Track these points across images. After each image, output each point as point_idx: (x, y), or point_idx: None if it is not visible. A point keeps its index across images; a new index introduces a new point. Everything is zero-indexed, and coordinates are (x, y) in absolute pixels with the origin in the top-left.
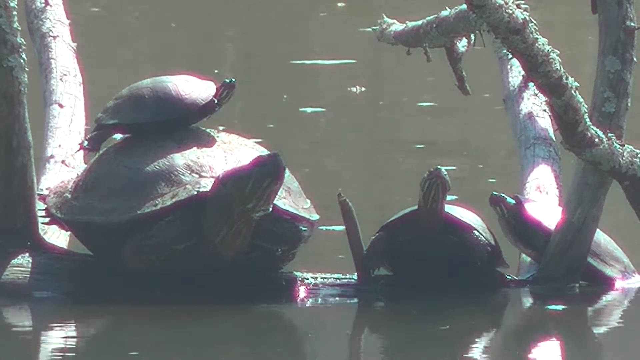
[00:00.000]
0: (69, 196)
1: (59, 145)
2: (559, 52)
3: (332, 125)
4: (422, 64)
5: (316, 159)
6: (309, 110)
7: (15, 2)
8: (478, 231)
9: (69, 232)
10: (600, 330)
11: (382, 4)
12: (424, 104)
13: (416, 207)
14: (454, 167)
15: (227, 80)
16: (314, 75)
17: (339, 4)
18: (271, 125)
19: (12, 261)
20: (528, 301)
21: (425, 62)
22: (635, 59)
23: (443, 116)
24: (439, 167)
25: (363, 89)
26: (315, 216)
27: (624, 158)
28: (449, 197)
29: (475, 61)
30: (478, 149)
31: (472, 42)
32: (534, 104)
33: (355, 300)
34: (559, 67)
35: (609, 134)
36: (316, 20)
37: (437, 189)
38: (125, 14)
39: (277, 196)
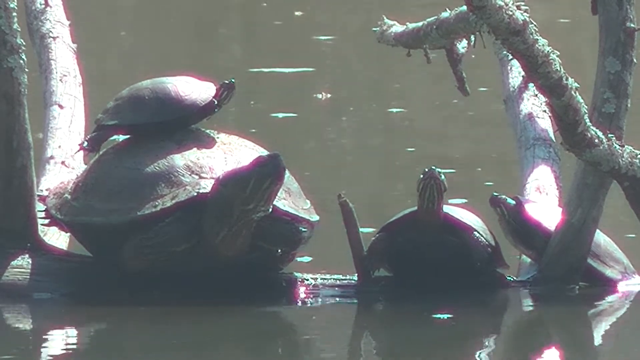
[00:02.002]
0: (69, 197)
1: (59, 146)
2: (558, 53)
3: (312, 130)
4: (380, 72)
5: (314, 161)
6: (280, 115)
7: (15, 3)
8: (478, 232)
9: (68, 234)
10: (600, 331)
11: (342, 13)
12: (394, 110)
13: (416, 207)
14: (454, 170)
15: (227, 81)
16: (275, 83)
17: (297, 13)
18: (253, 130)
19: (12, 262)
20: (528, 302)
21: (383, 70)
22: (635, 60)
23: (417, 120)
24: (433, 167)
25: (329, 95)
26: (315, 217)
27: (623, 159)
28: (459, 201)
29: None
30: (470, 151)
31: (472, 43)
32: (534, 105)
33: (355, 301)
34: (558, 68)
35: (609, 135)
36: (270, 29)
37: (431, 190)
38: (125, 15)
39: (277, 197)
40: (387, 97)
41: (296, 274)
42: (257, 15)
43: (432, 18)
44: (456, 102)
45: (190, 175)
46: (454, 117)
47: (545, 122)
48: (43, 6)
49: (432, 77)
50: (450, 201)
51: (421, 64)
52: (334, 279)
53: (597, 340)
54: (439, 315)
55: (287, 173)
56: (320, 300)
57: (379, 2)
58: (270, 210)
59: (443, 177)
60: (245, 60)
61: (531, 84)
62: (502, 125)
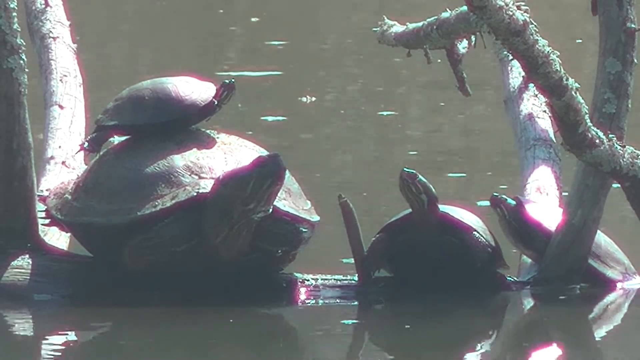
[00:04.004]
0: (69, 197)
1: (59, 147)
2: (559, 54)
3: (306, 132)
4: (352, 75)
5: (315, 163)
6: (269, 119)
7: (15, 3)
8: (478, 232)
9: (69, 234)
10: (600, 331)
11: (297, 20)
12: (385, 113)
13: None
14: (464, 174)
15: (227, 82)
16: (251, 86)
17: (253, 19)
18: (250, 132)
19: (12, 263)
20: (528, 302)
21: (358, 72)
22: (635, 61)
23: (412, 123)
24: (404, 168)
25: (313, 99)
26: (315, 217)
27: (624, 159)
28: (484, 202)
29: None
30: (471, 152)
31: (472, 43)
32: (534, 105)
33: (356, 302)
34: (559, 68)
35: (610, 135)
36: (227, 35)
37: (404, 190)
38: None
39: (277, 197)
40: (374, 100)
41: (296, 274)
42: (213, 21)
43: (433, 18)
44: (444, 105)
45: (190, 175)
46: (449, 119)
47: (545, 123)
48: (43, 6)
49: (414, 78)
50: (477, 203)
51: (395, 65)
52: (334, 279)
53: (598, 340)
54: (553, 308)
55: (288, 173)
56: (320, 301)
57: (330, 9)
58: (271, 210)
59: (420, 177)
60: (209, 65)
61: (531, 85)
62: (497, 126)
